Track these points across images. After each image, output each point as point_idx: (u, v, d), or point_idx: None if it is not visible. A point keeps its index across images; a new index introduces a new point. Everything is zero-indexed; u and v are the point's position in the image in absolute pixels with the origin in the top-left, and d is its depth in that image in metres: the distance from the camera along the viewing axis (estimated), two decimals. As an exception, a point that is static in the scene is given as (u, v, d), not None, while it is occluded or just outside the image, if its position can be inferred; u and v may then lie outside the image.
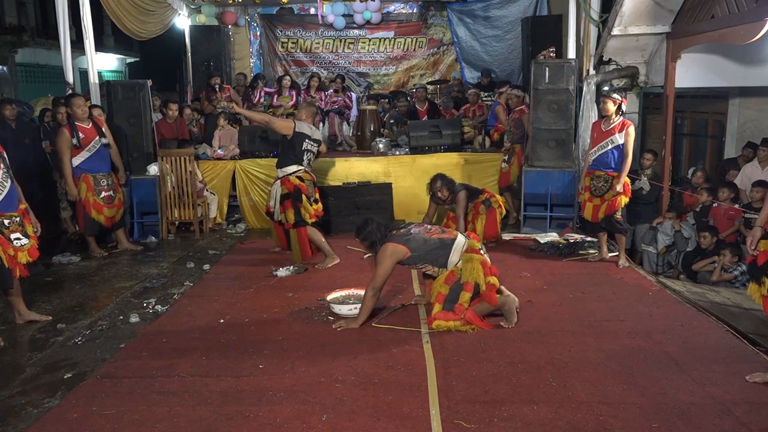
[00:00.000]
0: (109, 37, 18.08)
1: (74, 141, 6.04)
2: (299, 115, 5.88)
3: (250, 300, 4.93)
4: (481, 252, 4.31)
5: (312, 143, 5.75)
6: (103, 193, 6.24)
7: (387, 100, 10.66)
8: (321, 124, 9.51)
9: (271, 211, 5.96)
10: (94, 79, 7.71)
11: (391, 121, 9.15)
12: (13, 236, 4.34)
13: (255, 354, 3.87)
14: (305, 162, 5.73)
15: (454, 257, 4.26)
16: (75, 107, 6.09)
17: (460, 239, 4.34)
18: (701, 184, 6.83)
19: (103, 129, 6.35)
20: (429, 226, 4.48)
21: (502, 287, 4.42)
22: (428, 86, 10.87)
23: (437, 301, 4.22)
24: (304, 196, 5.67)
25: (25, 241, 4.42)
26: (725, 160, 7.59)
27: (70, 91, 7.37)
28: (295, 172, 5.67)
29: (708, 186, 6.69)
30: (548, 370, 3.58)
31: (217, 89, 9.16)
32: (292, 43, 12.39)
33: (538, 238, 6.51)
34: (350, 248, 6.31)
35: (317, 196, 5.92)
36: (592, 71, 7.29)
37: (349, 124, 9.81)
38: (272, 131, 6.34)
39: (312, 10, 11.99)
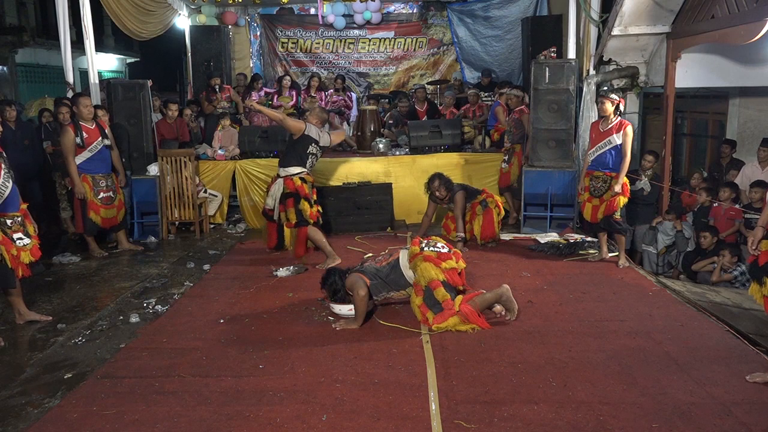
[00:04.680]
0: (109, 37, 18.09)
1: (77, 140, 6.04)
2: (310, 118, 5.87)
3: (250, 300, 4.94)
4: (423, 250, 4.35)
5: (318, 148, 5.77)
6: (102, 194, 6.24)
7: (387, 100, 10.66)
8: (346, 125, 9.55)
9: (267, 209, 5.94)
10: (94, 79, 7.70)
11: (390, 121, 9.15)
12: (15, 236, 4.36)
13: (255, 354, 3.87)
14: (308, 165, 5.76)
15: (408, 273, 4.37)
16: (81, 107, 6.10)
17: (402, 255, 4.45)
18: (699, 185, 6.85)
19: (106, 130, 6.35)
20: (378, 257, 4.63)
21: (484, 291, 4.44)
22: (428, 86, 10.87)
23: (423, 312, 4.24)
24: (303, 199, 5.69)
25: (27, 240, 4.43)
26: (713, 163, 7.60)
27: (70, 92, 7.38)
28: (299, 173, 5.69)
29: (706, 186, 6.70)
30: (548, 370, 3.58)
31: (217, 90, 9.17)
32: (293, 43, 12.39)
33: (538, 238, 6.52)
34: (350, 248, 6.32)
35: (315, 197, 5.93)
36: (592, 71, 7.29)
37: (349, 124, 9.81)
38: (286, 129, 6.06)
39: (312, 10, 12.00)
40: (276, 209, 5.79)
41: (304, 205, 5.66)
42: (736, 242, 6.12)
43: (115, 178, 6.43)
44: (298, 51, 12.41)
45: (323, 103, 9.63)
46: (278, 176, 5.79)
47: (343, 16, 11.90)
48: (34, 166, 6.83)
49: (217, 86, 9.19)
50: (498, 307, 4.38)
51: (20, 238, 4.38)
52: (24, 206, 4.53)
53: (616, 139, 5.47)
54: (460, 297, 4.19)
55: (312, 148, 5.71)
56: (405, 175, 7.68)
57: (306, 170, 5.75)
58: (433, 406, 3.18)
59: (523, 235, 6.84)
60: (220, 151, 7.79)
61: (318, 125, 5.82)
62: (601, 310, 4.56)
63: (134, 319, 4.55)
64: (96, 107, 6.58)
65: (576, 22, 7.47)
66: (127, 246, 6.61)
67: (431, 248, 4.38)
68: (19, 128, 6.83)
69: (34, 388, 3.54)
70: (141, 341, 4.15)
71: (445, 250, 4.42)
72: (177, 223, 7.26)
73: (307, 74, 11.47)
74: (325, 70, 12.17)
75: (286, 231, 5.96)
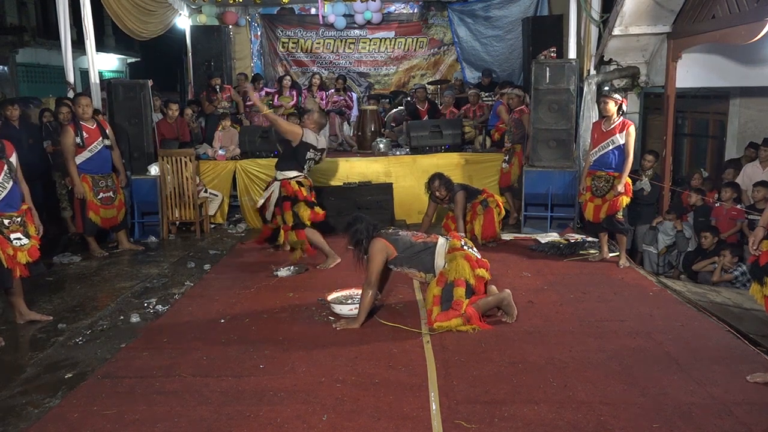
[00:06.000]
0: (109, 37, 18.08)
1: (77, 140, 6.04)
2: (307, 123, 5.85)
3: (250, 300, 4.93)
4: (465, 248, 4.35)
5: (316, 152, 5.77)
6: (102, 194, 6.23)
7: (387, 100, 10.66)
8: (347, 125, 9.54)
9: (261, 207, 5.94)
10: (94, 79, 7.69)
11: (392, 124, 9.14)
12: (13, 236, 4.34)
13: (255, 354, 3.87)
14: (306, 169, 5.77)
15: (440, 260, 4.32)
16: (81, 106, 6.10)
17: (441, 242, 4.40)
18: (696, 185, 6.85)
19: (107, 131, 6.35)
20: (415, 232, 4.59)
21: (492, 286, 4.43)
22: (428, 86, 10.87)
23: (434, 304, 4.24)
24: (301, 202, 5.68)
25: (25, 241, 4.41)
26: (727, 161, 7.58)
27: (71, 91, 7.37)
28: (295, 176, 5.70)
29: (699, 187, 6.69)
30: (549, 370, 3.58)
31: (218, 90, 9.17)
32: (293, 43, 12.40)
33: (538, 238, 6.52)
34: (350, 248, 6.30)
35: (313, 199, 5.91)
36: (592, 71, 7.28)
37: (349, 124, 9.82)
38: (278, 132, 6.08)
39: (313, 10, 12.00)
40: (270, 210, 5.78)
41: (300, 208, 5.66)
42: (737, 242, 6.11)
43: (115, 178, 6.43)
44: (299, 51, 12.42)
45: (324, 102, 9.64)
46: (275, 179, 5.79)
47: (344, 16, 11.91)
48: (40, 165, 6.82)
49: (217, 86, 9.19)
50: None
51: (18, 238, 4.36)
52: (25, 206, 4.52)
53: (619, 138, 5.47)
54: (466, 300, 4.20)
55: (310, 154, 5.72)
56: (405, 175, 7.68)
57: (303, 174, 5.76)
58: (434, 406, 3.18)
59: (523, 235, 6.84)
60: (220, 151, 7.79)
61: (315, 130, 5.82)
62: (601, 310, 4.56)
63: (135, 319, 4.55)
64: (95, 110, 6.59)
65: (576, 22, 7.46)
66: (127, 246, 6.61)
67: (470, 250, 4.39)
68: (23, 127, 6.82)
69: (35, 388, 3.54)
70: (141, 341, 4.15)
71: (479, 256, 4.42)
72: (177, 223, 7.26)
73: (308, 74, 11.47)
74: (325, 70, 12.18)
75: (282, 232, 5.95)
